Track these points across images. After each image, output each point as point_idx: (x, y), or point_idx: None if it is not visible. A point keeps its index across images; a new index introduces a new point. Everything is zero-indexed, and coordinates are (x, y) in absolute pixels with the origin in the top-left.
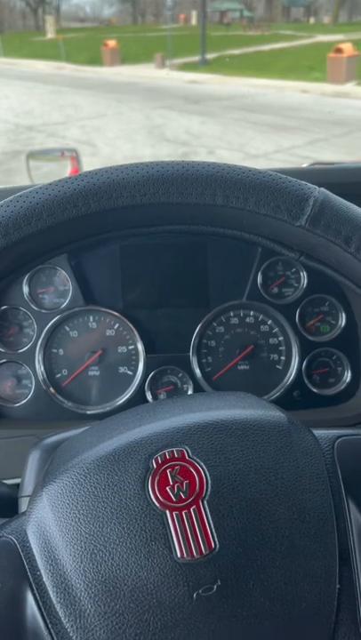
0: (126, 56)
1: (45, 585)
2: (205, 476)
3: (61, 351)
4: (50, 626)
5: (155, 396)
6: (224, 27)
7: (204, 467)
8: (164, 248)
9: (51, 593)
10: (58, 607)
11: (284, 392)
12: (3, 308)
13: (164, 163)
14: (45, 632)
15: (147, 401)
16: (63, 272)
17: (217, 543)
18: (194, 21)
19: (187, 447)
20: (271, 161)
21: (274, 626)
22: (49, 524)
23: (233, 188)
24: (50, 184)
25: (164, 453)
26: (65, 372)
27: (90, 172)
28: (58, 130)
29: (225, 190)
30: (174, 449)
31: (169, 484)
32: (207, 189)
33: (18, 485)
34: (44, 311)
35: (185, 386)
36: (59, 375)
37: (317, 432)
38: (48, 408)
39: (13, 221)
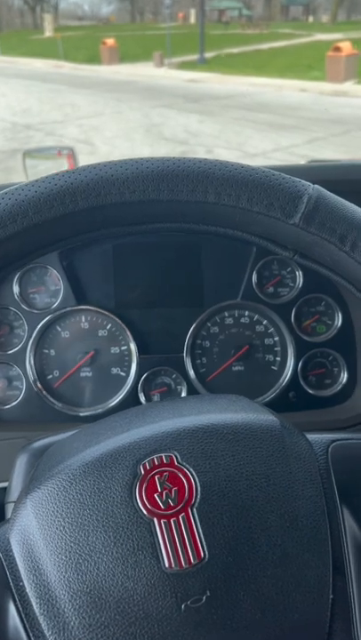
0: (125, 54)
1: (28, 596)
2: (195, 482)
3: (53, 352)
4: (32, 638)
5: (148, 398)
6: (223, 25)
7: (194, 473)
8: (158, 247)
9: (34, 604)
10: (41, 619)
11: (279, 393)
12: None
13: (155, 159)
14: None
15: (140, 402)
16: (54, 271)
17: (206, 552)
18: (192, 20)
19: (176, 452)
20: (270, 160)
21: (265, 637)
22: (33, 532)
23: (225, 185)
24: (36, 181)
25: (153, 459)
26: (56, 373)
27: (78, 168)
28: (56, 128)
29: (217, 187)
30: (163, 454)
31: (157, 491)
32: (198, 186)
33: (5, 489)
34: (35, 311)
35: (179, 387)
36: (50, 376)
37: (311, 436)
38: (39, 410)
39: None
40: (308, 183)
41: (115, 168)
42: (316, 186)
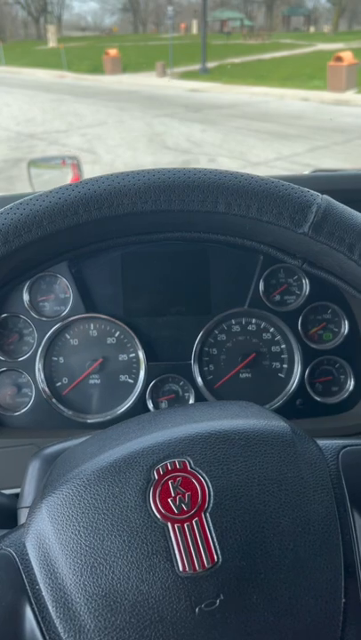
0: (127, 64)
1: (44, 599)
2: (208, 487)
3: (62, 359)
4: None
5: (156, 405)
6: (225, 35)
7: (207, 478)
8: (166, 255)
9: (50, 607)
10: (57, 622)
11: (286, 400)
12: (3, 315)
13: (166, 170)
14: None
15: (148, 410)
16: (64, 280)
17: (220, 556)
18: (195, 30)
19: (189, 458)
20: (272, 169)
21: None
22: (48, 536)
23: (235, 196)
24: (50, 191)
25: (166, 464)
26: (65, 380)
27: (91, 179)
28: (59, 138)
29: (227, 197)
30: (176, 460)
31: (171, 496)
32: (209, 196)
33: (17, 495)
34: (44, 319)
35: (186, 394)
36: (59, 384)
37: (321, 442)
38: (48, 417)
39: (13, 229)
40: (317, 193)
41: (127, 179)
42: (324, 196)
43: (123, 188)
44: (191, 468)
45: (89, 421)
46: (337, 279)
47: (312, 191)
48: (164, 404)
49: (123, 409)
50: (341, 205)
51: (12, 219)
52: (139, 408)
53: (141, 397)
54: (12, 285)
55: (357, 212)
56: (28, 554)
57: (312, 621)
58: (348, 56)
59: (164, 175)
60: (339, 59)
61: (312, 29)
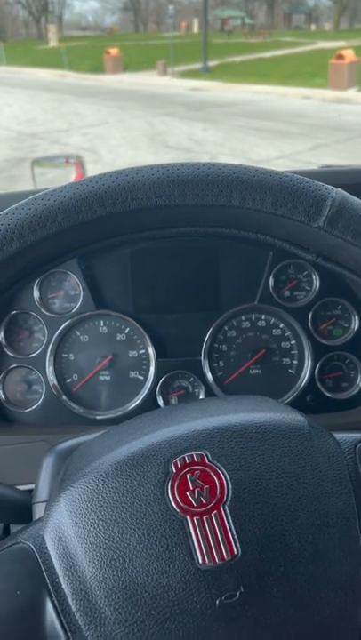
0: (128, 64)
1: (64, 592)
2: (226, 480)
3: (72, 356)
4: (69, 634)
5: (166, 401)
6: (226, 34)
7: (225, 471)
8: (175, 252)
9: (70, 600)
10: (77, 615)
11: (296, 396)
12: (13, 312)
13: (180, 164)
14: None
15: (158, 406)
16: (74, 276)
17: (239, 549)
18: (195, 29)
19: (206, 451)
20: (274, 167)
21: (298, 633)
22: (67, 529)
23: (250, 190)
24: (64, 186)
25: (184, 457)
26: (75, 376)
27: (104, 174)
28: (61, 137)
29: (241, 191)
30: (194, 453)
31: (189, 489)
32: (223, 190)
33: (30, 491)
34: (54, 316)
35: (196, 390)
36: (69, 380)
37: (338, 435)
38: (59, 413)
39: (28, 224)
40: (332, 187)
41: (141, 174)
42: (339, 189)
43: (137, 183)
44: (209, 461)
45: (99, 417)
46: (351, 273)
47: (326, 185)
48: (174, 401)
49: (133, 405)
50: (356, 199)
51: (27, 214)
52: (149, 404)
53: (152, 394)
54: (25, 282)
55: None
56: (47, 547)
57: (332, 613)
58: (349, 54)
59: (179, 170)
60: (340, 57)
61: (313, 27)
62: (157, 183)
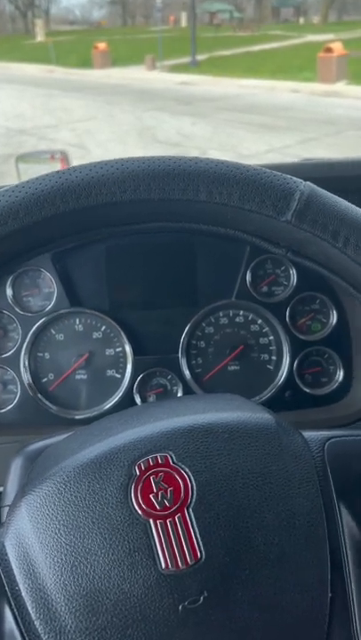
0: (117, 58)
1: (24, 600)
2: (191, 482)
3: (47, 355)
4: None
5: (144, 399)
6: (214, 28)
7: (190, 473)
8: (151, 248)
9: (30, 608)
10: (37, 623)
11: (275, 392)
12: None
13: (146, 158)
14: None
15: (135, 404)
16: (48, 274)
17: (203, 553)
18: (183, 23)
19: (171, 452)
20: (263, 161)
21: (263, 637)
22: (28, 535)
23: (216, 183)
24: (27, 182)
25: (148, 459)
26: (51, 376)
27: (69, 168)
28: (49, 133)
29: (208, 185)
30: (158, 454)
31: (153, 492)
32: (190, 185)
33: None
34: (28, 314)
35: (175, 388)
36: (45, 379)
37: (307, 434)
38: (35, 413)
39: None
40: (300, 180)
41: (105, 168)
42: (307, 183)
43: (101, 178)
44: (173, 462)
45: (76, 417)
46: (322, 268)
47: (295, 178)
48: (152, 398)
49: (110, 404)
50: (325, 192)
51: None
52: (126, 403)
53: (129, 392)
54: None
55: (341, 200)
56: (7, 553)
57: (298, 616)
58: (338, 47)
59: (144, 164)
60: (329, 50)
61: (302, 21)
62: (122, 178)
